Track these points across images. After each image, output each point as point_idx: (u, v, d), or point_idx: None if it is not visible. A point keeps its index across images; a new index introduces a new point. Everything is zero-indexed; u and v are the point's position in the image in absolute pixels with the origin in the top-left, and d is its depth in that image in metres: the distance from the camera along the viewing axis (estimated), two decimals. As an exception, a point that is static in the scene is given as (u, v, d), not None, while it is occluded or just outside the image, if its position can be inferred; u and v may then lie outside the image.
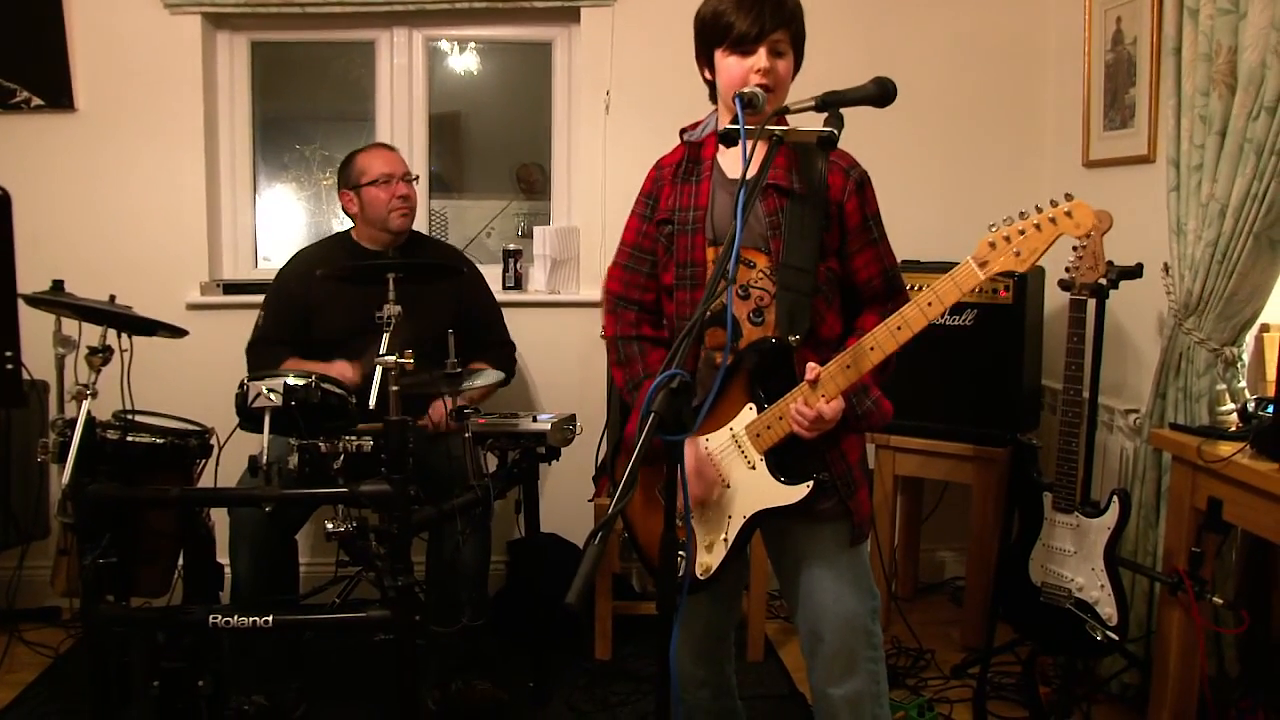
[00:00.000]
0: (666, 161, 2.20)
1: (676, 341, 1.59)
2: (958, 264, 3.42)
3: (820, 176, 2.03)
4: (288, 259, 3.45)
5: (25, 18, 3.69)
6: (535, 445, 2.96)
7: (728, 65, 2.02)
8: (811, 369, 1.96)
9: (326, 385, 2.62)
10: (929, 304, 1.88)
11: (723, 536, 2.09)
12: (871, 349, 1.93)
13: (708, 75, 2.12)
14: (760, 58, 1.99)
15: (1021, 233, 1.80)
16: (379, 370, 2.44)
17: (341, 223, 3.73)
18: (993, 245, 1.83)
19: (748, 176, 1.77)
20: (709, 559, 2.11)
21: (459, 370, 2.81)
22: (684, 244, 2.09)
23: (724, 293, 1.79)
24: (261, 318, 3.34)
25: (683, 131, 2.19)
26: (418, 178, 3.46)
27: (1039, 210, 1.80)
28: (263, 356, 3.25)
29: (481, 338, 3.41)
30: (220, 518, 2.94)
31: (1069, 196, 1.79)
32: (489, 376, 3.01)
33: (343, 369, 3.03)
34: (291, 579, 3.19)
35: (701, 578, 2.11)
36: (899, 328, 1.91)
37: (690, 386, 1.54)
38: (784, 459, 2.04)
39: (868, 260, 2.11)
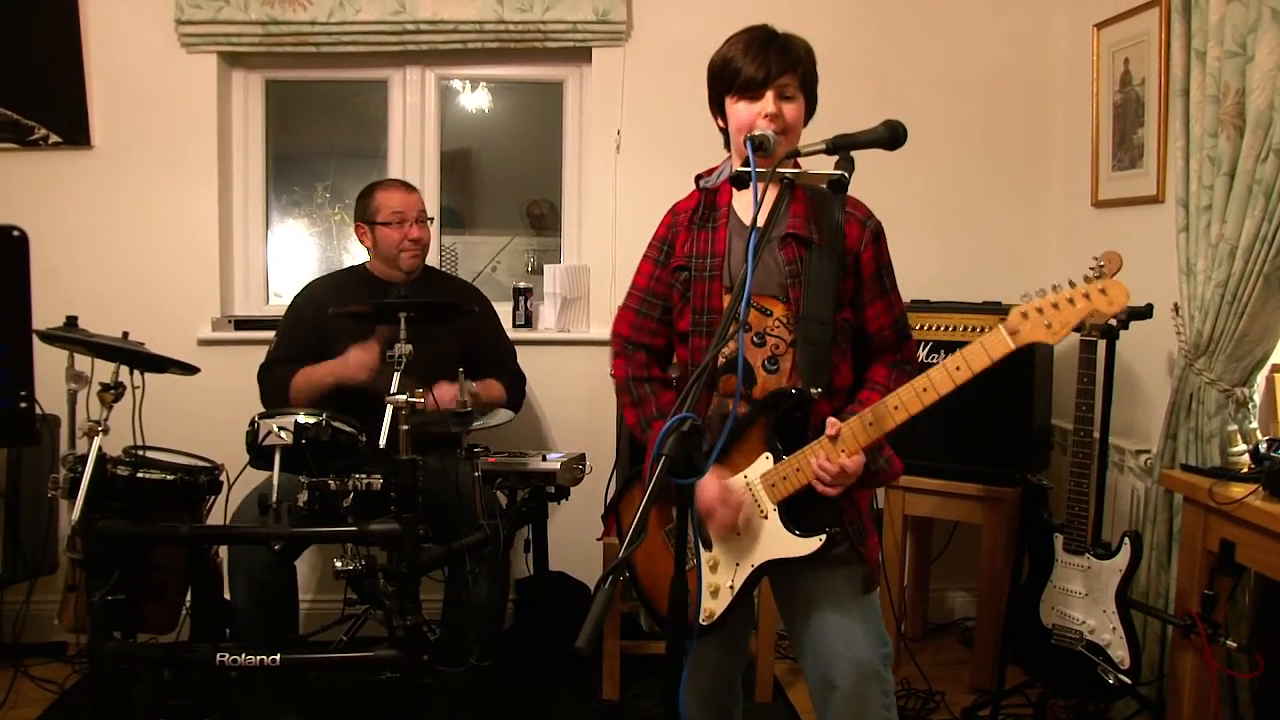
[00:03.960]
0: (682, 207, 2.21)
1: (687, 385, 1.60)
2: (967, 304, 3.44)
3: (837, 226, 2.04)
4: (303, 287, 3.47)
5: (44, 56, 3.75)
6: (544, 484, 2.96)
7: (737, 111, 2.04)
8: (832, 424, 1.96)
9: (336, 424, 2.62)
10: (957, 368, 1.88)
11: (729, 584, 2.08)
12: (895, 408, 1.93)
13: (721, 123, 2.14)
14: (768, 102, 2.00)
15: (1055, 305, 1.82)
16: (390, 410, 2.45)
17: (353, 257, 3.75)
18: (1025, 316, 1.84)
19: (758, 221, 1.78)
20: (714, 605, 2.10)
21: (469, 410, 2.81)
22: (701, 291, 2.10)
23: (734, 337, 1.79)
24: (275, 343, 3.35)
25: (698, 178, 2.20)
26: (432, 219, 3.48)
27: (1072, 285, 1.82)
28: (275, 378, 3.24)
29: (492, 371, 3.42)
30: (227, 553, 2.94)
31: (1102, 274, 1.81)
32: (498, 416, 3.02)
33: (357, 356, 3.02)
34: (291, 607, 3.17)
35: (705, 624, 2.10)
36: (925, 389, 1.91)
37: (701, 430, 1.53)
38: (796, 509, 2.03)
39: (880, 310, 2.12)
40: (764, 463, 2.05)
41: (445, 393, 2.97)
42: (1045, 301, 1.83)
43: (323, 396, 3.15)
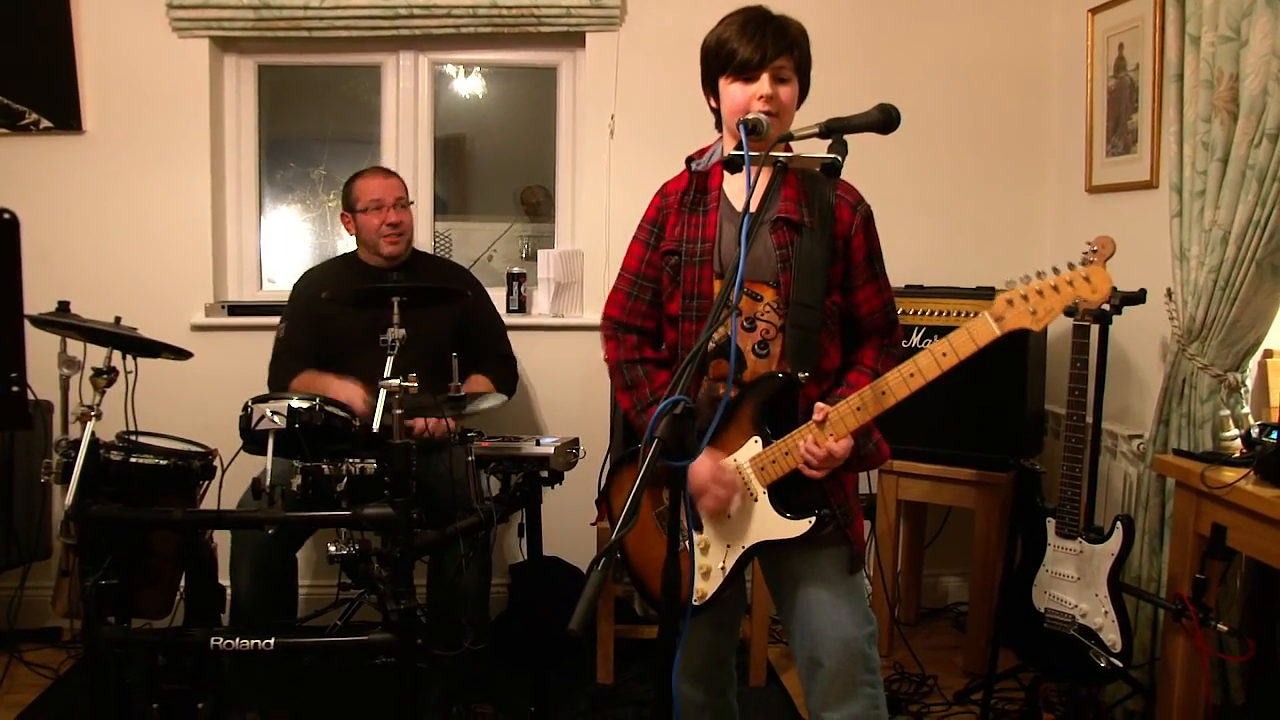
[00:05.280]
0: (672, 189, 2.19)
1: (679, 369, 1.60)
2: (961, 289, 3.45)
3: (829, 210, 2.04)
4: (300, 276, 3.52)
5: (34, 40, 3.73)
6: (538, 469, 2.96)
7: (731, 92, 2.03)
8: (820, 409, 1.97)
9: (330, 408, 2.62)
10: (943, 354, 1.90)
11: (720, 565, 2.10)
12: (883, 394, 1.95)
13: (713, 104, 2.13)
14: (763, 84, 1.99)
15: (1039, 293, 1.84)
16: (383, 393, 2.45)
17: (348, 244, 3.75)
18: (1010, 303, 1.85)
19: (750, 206, 1.78)
20: (705, 585, 2.11)
21: (462, 394, 2.81)
22: (691, 276, 2.09)
23: (727, 322, 1.79)
24: (282, 333, 3.41)
25: (689, 160, 2.19)
26: (412, 202, 3.49)
27: (1056, 272, 1.83)
28: (282, 370, 3.33)
29: (484, 351, 3.44)
30: (222, 539, 2.94)
31: (1087, 262, 1.83)
32: (491, 400, 3.02)
33: (353, 394, 3.00)
34: (291, 596, 3.19)
35: (697, 604, 2.11)
36: (912, 375, 1.92)
37: (693, 413, 1.54)
38: (785, 492, 2.05)
39: (870, 294, 2.12)
40: (753, 446, 2.05)
41: (437, 424, 3.08)
42: (1030, 288, 1.85)
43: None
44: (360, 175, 3.44)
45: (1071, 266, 1.84)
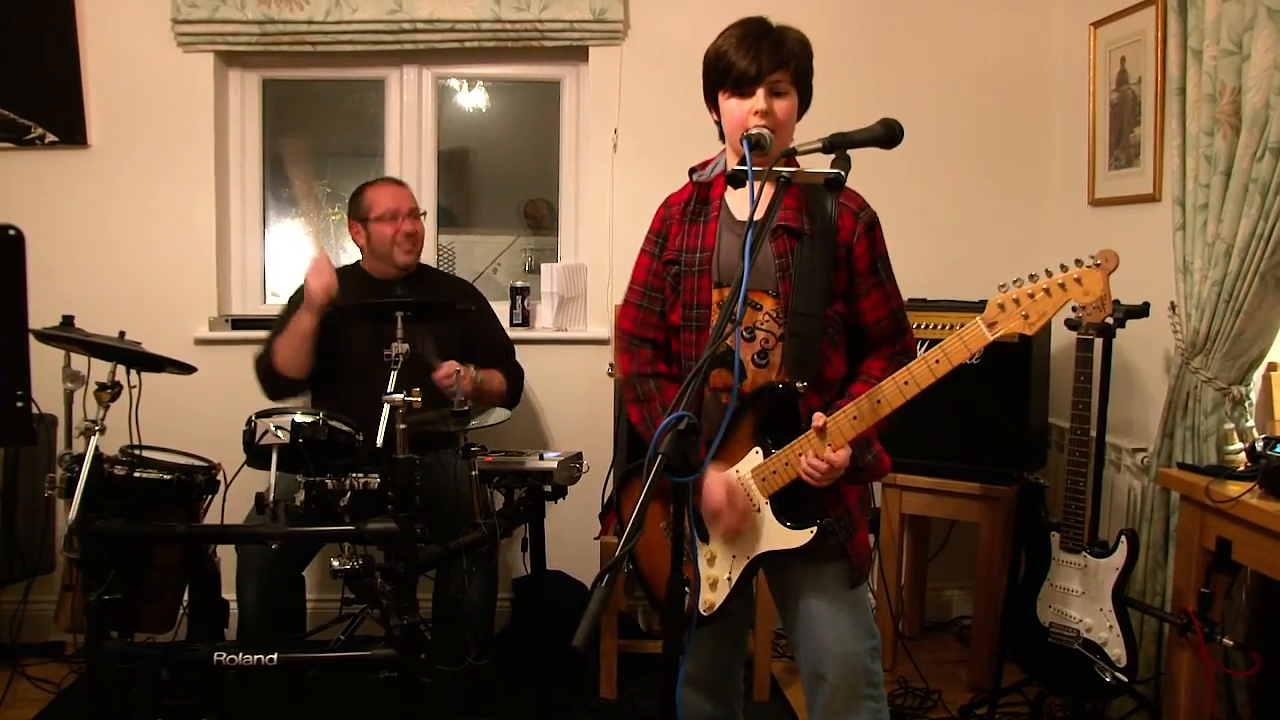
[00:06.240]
0: (675, 200, 2.21)
1: (684, 385, 1.60)
2: (964, 303, 3.44)
3: (830, 218, 2.04)
4: (298, 288, 3.47)
5: (40, 55, 3.75)
6: (541, 483, 2.96)
7: (729, 107, 2.03)
8: (818, 419, 1.97)
9: (333, 423, 2.62)
10: (936, 361, 1.90)
11: (727, 575, 2.10)
12: (879, 403, 1.94)
13: (715, 117, 2.13)
14: (758, 99, 1.99)
15: (1031, 296, 1.83)
16: (387, 409, 2.45)
17: (350, 256, 3.75)
18: (1002, 307, 1.85)
19: (753, 219, 1.78)
20: (712, 596, 2.11)
21: (466, 408, 2.81)
22: (690, 285, 2.10)
23: (730, 335, 1.79)
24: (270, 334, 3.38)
25: (692, 171, 2.20)
26: (425, 213, 3.49)
27: (1049, 274, 1.82)
28: (259, 359, 3.27)
29: (491, 366, 3.43)
30: (226, 554, 2.94)
31: (1079, 262, 1.81)
32: (494, 415, 3.02)
33: (313, 276, 3.07)
34: (298, 615, 3.19)
35: (705, 614, 2.12)
36: (906, 383, 1.92)
37: (696, 428, 1.54)
38: (787, 503, 2.05)
39: (875, 302, 2.12)
40: (754, 457, 2.06)
41: (448, 367, 3.02)
42: (1022, 292, 1.84)
43: (319, 394, 3.19)
44: (371, 185, 3.40)
45: (1064, 269, 1.82)
